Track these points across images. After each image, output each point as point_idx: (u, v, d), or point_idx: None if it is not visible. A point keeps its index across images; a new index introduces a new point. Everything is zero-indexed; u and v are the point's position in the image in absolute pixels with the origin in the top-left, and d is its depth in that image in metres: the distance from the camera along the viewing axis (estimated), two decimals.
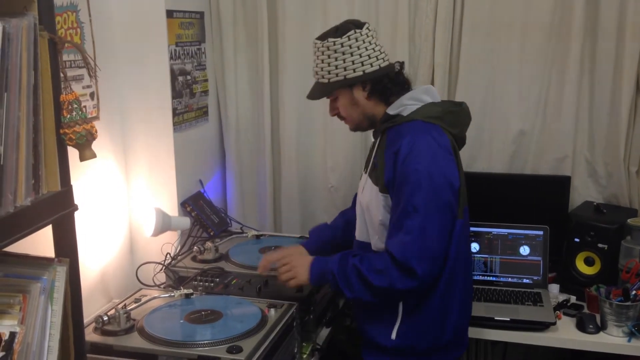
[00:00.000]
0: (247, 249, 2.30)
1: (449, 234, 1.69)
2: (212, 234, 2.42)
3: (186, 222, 2.33)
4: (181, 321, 1.77)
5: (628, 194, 2.41)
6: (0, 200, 1.06)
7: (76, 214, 1.30)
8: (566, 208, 2.43)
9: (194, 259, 2.23)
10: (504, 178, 2.52)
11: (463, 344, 1.90)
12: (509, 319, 2.11)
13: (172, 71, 2.28)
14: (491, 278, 2.35)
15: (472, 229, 2.27)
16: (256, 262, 2.15)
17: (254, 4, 2.59)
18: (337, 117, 1.86)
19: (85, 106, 1.95)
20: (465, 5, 2.44)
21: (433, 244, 1.65)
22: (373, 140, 1.86)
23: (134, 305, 1.86)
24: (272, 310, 1.82)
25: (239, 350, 1.59)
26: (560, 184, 2.43)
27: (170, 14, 2.25)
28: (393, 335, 1.76)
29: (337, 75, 1.74)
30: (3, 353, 1.07)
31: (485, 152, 2.55)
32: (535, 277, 2.32)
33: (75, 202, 1.29)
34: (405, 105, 1.75)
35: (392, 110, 1.76)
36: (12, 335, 1.09)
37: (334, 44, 1.72)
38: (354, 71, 1.73)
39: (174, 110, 2.30)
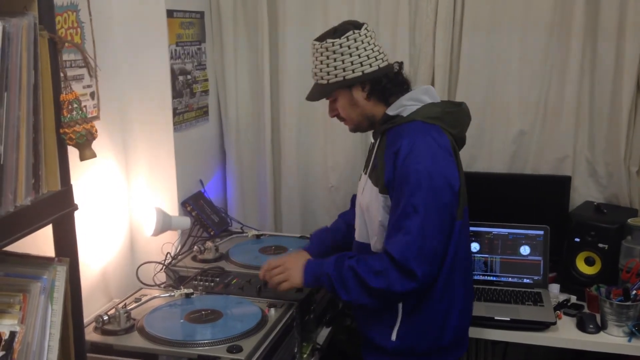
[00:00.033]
0: (247, 249, 2.30)
1: (447, 235, 1.69)
2: (212, 233, 2.42)
3: (186, 221, 2.33)
4: (181, 321, 1.77)
5: (628, 194, 2.41)
6: (1, 200, 1.06)
7: (76, 213, 1.30)
8: (566, 208, 2.43)
9: (194, 258, 2.23)
10: (504, 178, 2.52)
11: (464, 344, 1.89)
12: (509, 319, 2.11)
13: (172, 71, 2.28)
14: (491, 278, 2.35)
15: (472, 228, 2.27)
16: (256, 261, 2.15)
17: (254, 4, 2.59)
18: (337, 119, 1.86)
19: (85, 106, 1.95)
20: (465, 5, 2.44)
21: (432, 245, 1.64)
22: (372, 140, 1.86)
23: (134, 305, 1.86)
24: (272, 310, 1.82)
25: (239, 349, 1.59)
26: (561, 184, 2.43)
27: (170, 13, 2.26)
28: (393, 337, 1.76)
29: (336, 76, 1.74)
30: (3, 352, 1.07)
31: (485, 152, 2.55)
32: (535, 277, 2.32)
33: (76, 201, 1.29)
34: (405, 105, 1.74)
35: (391, 111, 1.75)
36: (12, 334, 1.09)
37: (333, 45, 1.71)
38: (353, 72, 1.72)
39: (174, 109, 2.30)
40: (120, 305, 1.83)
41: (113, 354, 1.65)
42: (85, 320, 1.52)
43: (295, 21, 2.58)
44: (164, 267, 2.14)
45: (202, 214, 2.41)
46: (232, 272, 2.09)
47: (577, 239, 2.28)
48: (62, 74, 1.23)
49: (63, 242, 1.28)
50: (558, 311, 2.20)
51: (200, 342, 1.64)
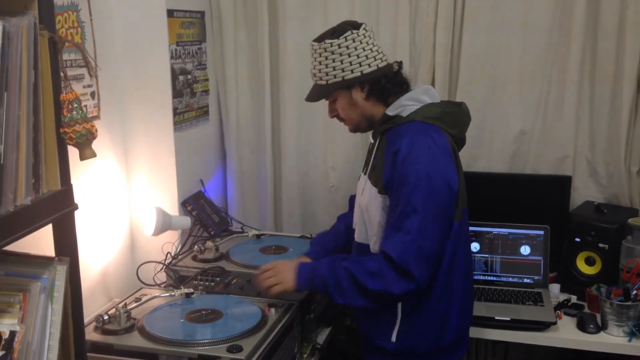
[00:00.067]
0: (247, 249, 2.30)
1: (445, 236, 1.68)
2: (212, 233, 2.42)
3: (187, 221, 2.33)
4: (181, 320, 1.77)
5: (629, 194, 2.40)
6: (1, 199, 1.06)
7: (77, 213, 1.30)
8: (567, 208, 2.43)
9: (194, 258, 2.23)
10: (504, 178, 2.52)
11: (464, 344, 1.89)
12: (509, 319, 2.11)
13: (172, 70, 2.28)
14: (492, 278, 2.35)
15: (472, 228, 2.27)
16: (257, 261, 2.15)
17: (254, 4, 2.59)
18: (337, 119, 1.86)
19: (85, 105, 1.95)
20: (465, 5, 2.44)
21: (431, 246, 1.63)
22: (372, 141, 1.85)
23: (134, 305, 1.86)
24: (273, 310, 1.82)
25: (239, 349, 1.59)
26: (561, 184, 2.43)
27: (170, 13, 2.26)
28: (393, 338, 1.75)
29: (335, 76, 1.73)
30: (3, 352, 1.07)
31: (485, 152, 2.55)
32: (535, 277, 2.32)
33: (76, 201, 1.29)
34: (404, 106, 1.73)
35: (391, 111, 1.74)
36: (12, 334, 1.09)
37: (331, 46, 1.70)
38: (352, 72, 1.71)
39: (175, 109, 2.30)
40: (120, 305, 1.83)
41: (113, 354, 1.65)
42: (86, 319, 1.52)
43: (295, 21, 2.58)
44: (164, 266, 2.14)
45: (203, 214, 2.41)
46: (233, 271, 2.09)
47: (577, 239, 2.28)
48: (62, 74, 1.23)
49: (63, 242, 1.28)
50: (558, 311, 2.20)
51: (201, 341, 1.64)
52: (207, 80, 2.60)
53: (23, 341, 1.11)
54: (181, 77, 2.35)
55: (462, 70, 2.49)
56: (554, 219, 2.37)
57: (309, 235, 2.46)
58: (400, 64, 1.79)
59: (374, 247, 1.76)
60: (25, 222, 1.13)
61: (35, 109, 1.15)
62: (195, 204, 2.40)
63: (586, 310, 2.21)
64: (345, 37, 1.70)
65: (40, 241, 1.29)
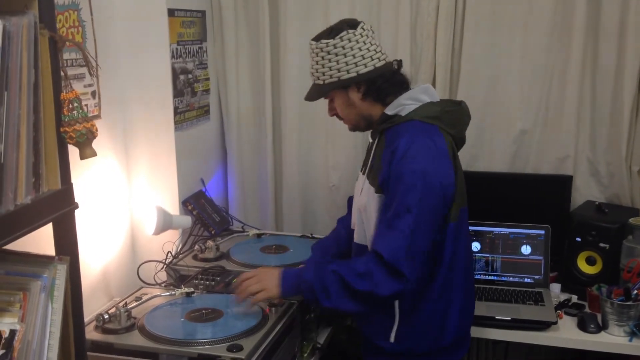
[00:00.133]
0: (248, 248, 2.30)
1: (437, 237, 1.66)
2: (213, 232, 2.42)
3: (187, 220, 2.33)
4: (182, 319, 1.77)
5: (630, 194, 2.40)
6: (1, 199, 1.06)
7: (77, 212, 1.30)
8: (568, 207, 2.43)
9: (195, 257, 2.23)
10: (505, 177, 2.51)
11: (465, 345, 1.88)
12: (510, 319, 2.11)
13: (173, 70, 2.28)
14: (492, 277, 2.35)
15: (473, 228, 2.27)
16: (257, 261, 2.16)
17: (255, 3, 2.59)
18: (337, 117, 1.85)
19: (86, 105, 1.95)
20: (466, 4, 2.44)
21: (422, 247, 1.62)
22: (370, 140, 1.84)
23: (134, 304, 1.87)
24: (273, 309, 1.82)
25: (239, 348, 1.59)
26: (562, 184, 2.43)
27: (171, 12, 2.26)
28: (391, 338, 1.74)
29: (331, 76, 1.72)
30: (3, 351, 1.07)
31: (486, 151, 2.55)
32: (536, 277, 2.32)
33: (76, 200, 1.29)
34: (403, 105, 1.72)
35: (390, 111, 1.73)
36: (12, 333, 1.09)
37: (327, 46, 1.69)
38: (348, 72, 1.70)
39: (176, 109, 2.30)
40: (121, 304, 1.83)
41: (113, 353, 1.65)
42: (86, 318, 1.52)
43: (296, 20, 2.58)
44: (165, 266, 2.14)
45: (203, 213, 2.41)
46: (233, 271, 2.09)
47: (578, 239, 2.28)
48: (62, 73, 1.23)
49: (63, 241, 1.28)
50: (559, 311, 2.19)
51: (201, 341, 1.64)
52: (207, 79, 2.60)
53: (23, 340, 1.11)
54: (182, 77, 2.35)
55: (463, 70, 2.48)
56: (555, 218, 2.37)
57: (309, 235, 2.46)
58: (400, 62, 1.78)
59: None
60: (26, 221, 1.13)
61: (36, 108, 1.15)
62: (195, 204, 2.41)
63: (587, 310, 2.21)
64: (341, 37, 1.68)
65: (41, 240, 1.29)
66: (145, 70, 2.23)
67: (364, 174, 1.82)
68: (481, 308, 2.14)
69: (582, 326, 2.11)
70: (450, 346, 1.79)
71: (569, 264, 2.32)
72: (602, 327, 2.09)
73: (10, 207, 1.09)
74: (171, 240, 2.26)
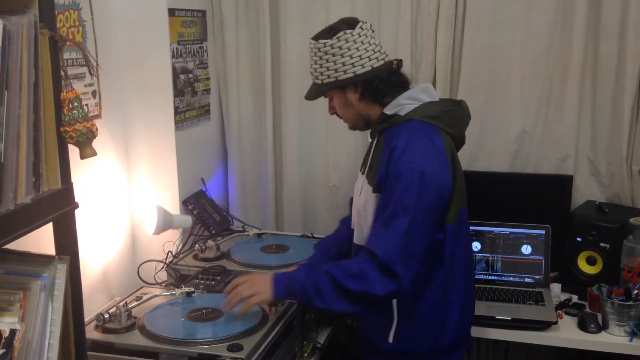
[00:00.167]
0: (248, 248, 2.30)
1: (432, 238, 1.65)
2: (213, 232, 2.42)
3: (188, 220, 2.33)
4: (182, 319, 1.77)
5: (630, 194, 2.40)
6: (1, 198, 1.06)
7: (78, 211, 1.30)
8: (568, 207, 2.43)
9: (195, 257, 2.23)
10: (505, 177, 2.51)
11: (464, 345, 1.87)
12: (510, 318, 2.11)
13: (174, 69, 2.28)
14: (493, 277, 2.35)
15: (473, 228, 2.27)
16: (258, 260, 2.16)
17: (255, 3, 2.59)
18: (336, 116, 1.85)
19: (87, 104, 1.95)
20: (467, 4, 2.43)
21: (417, 247, 1.61)
22: (370, 140, 1.83)
23: (135, 303, 1.87)
24: (273, 309, 1.82)
25: (239, 348, 1.59)
26: (562, 183, 2.43)
27: (172, 12, 2.26)
28: (390, 339, 1.74)
29: (329, 77, 1.71)
30: (3, 350, 1.07)
31: (487, 151, 2.54)
32: (537, 277, 2.32)
33: (76, 200, 1.29)
34: (403, 104, 1.71)
35: (389, 110, 1.72)
36: (13, 332, 1.09)
37: (324, 46, 1.69)
38: (345, 73, 1.69)
39: (176, 108, 2.30)
40: (121, 304, 1.83)
41: (114, 352, 1.65)
42: (87, 318, 1.52)
43: (296, 19, 2.58)
44: (165, 265, 2.14)
45: (204, 213, 2.41)
46: (233, 270, 2.09)
47: (578, 239, 2.28)
48: (62, 73, 1.23)
49: (63, 241, 1.28)
50: (559, 310, 2.19)
51: (201, 340, 1.64)
52: (208, 79, 2.60)
53: (23, 339, 1.11)
54: (182, 76, 2.35)
55: (463, 70, 2.48)
56: (555, 218, 2.37)
57: (309, 235, 2.46)
58: (399, 62, 1.78)
59: None
60: (26, 220, 1.13)
61: (36, 108, 1.15)
62: (196, 203, 2.41)
63: (587, 309, 2.21)
64: (338, 38, 1.68)
65: (41, 240, 1.29)
66: (146, 70, 2.23)
67: (363, 173, 1.81)
68: (481, 308, 2.14)
69: (583, 326, 2.10)
70: (450, 346, 1.78)
71: (569, 264, 2.32)
72: (603, 327, 2.09)
73: (11, 207, 1.09)
74: (171, 240, 2.26)
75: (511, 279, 2.34)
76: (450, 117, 1.73)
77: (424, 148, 1.63)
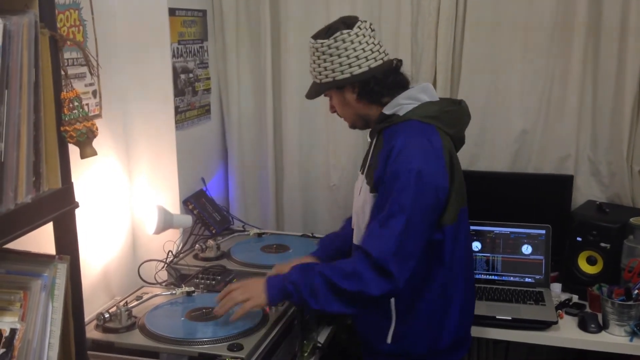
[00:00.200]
0: (249, 247, 2.30)
1: (428, 238, 1.64)
2: (214, 232, 2.42)
3: (188, 220, 2.33)
4: (182, 319, 1.77)
5: (631, 193, 2.40)
6: (1, 198, 1.06)
7: (78, 211, 1.30)
8: (568, 207, 2.43)
9: (195, 256, 2.23)
10: (506, 177, 2.51)
11: (464, 346, 1.86)
12: (510, 318, 2.11)
13: (174, 69, 2.28)
14: (493, 277, 2.35)
15: (474, 227, 2.27)
16: (258, 260, 2.16)
17: (256, 2, 2.59)
18: (337, 115, 1.85)
19: (87, 104, 1.96)
20: (467, 4, 2.43)
21: (412, 247, 1.60)
22: (369, 140, 1.82)
23: (135, 303, 1.87)
24: (273, 309, 1.82)
25: (239, 348, 1.59)
26: (563, 183, 2.43)
27: (172, 12, 2.26)
28: (388, 339, 1.73)
29: (326, 76, 1.71)
30: (4, 349, 1.07)
31: (487, 151, 2.54)
32: (537, 276, 2.32)
33: (77, 199, 1.29)
34: (402, 104, 1.70)
35: (388, 110, 1.71)
36: (13, 331, 1.09)
37: (322, 46, 1.68)
38: (342, 73, 1.68)
39: (176, 108, 2.30)
40: (121, 303, 1.83)
41: (114, 352, 1.65)
42: (87, 317, 1.53)
43: (297, 19, 2.58)
44: (166, 265, 2.15)
45: (204, 212, 2.41)
46: (234, 270, 2.09)
47: (579, 238, 2.28)
48: (63, 72, 1.23)
49: (64, 240, 1.28)
50: (560, 310, 2.19)
51: (201, 340, 1.64)
52: (208, 78, 2.60)
53: (23, 339, 1.11)
54: (183, 76, 2.35)
55: (464, 69, 2.48)
56: (556, 218, 2.37)
57: (310, 234, 2.47)
58: (399, 61, 1.76)
59: None
60: (26, 220, 1.13)
61: (36, 107, 1.15)
62: (196, 203, 2.41)
63: (587, 309, 2.21)
64: (335, 38, 1.67)
65: (41, 239, 1.29)
66: (146, 70, 2.23)
67: (363, 173, 1.80)
68: (482, 308, 2.14)
69: (583, 326, 2.10)
70: (450, 348, 1.77)
71: (569, 264, 2.31)
72: (603, 326, 2.09)
73: (11, 206, 1.09)
74: (172, 240, 2.26)
75: (511, 278, 2.34)
76: (450, 117, 1.73)
77: (422, 148, 1.62)
